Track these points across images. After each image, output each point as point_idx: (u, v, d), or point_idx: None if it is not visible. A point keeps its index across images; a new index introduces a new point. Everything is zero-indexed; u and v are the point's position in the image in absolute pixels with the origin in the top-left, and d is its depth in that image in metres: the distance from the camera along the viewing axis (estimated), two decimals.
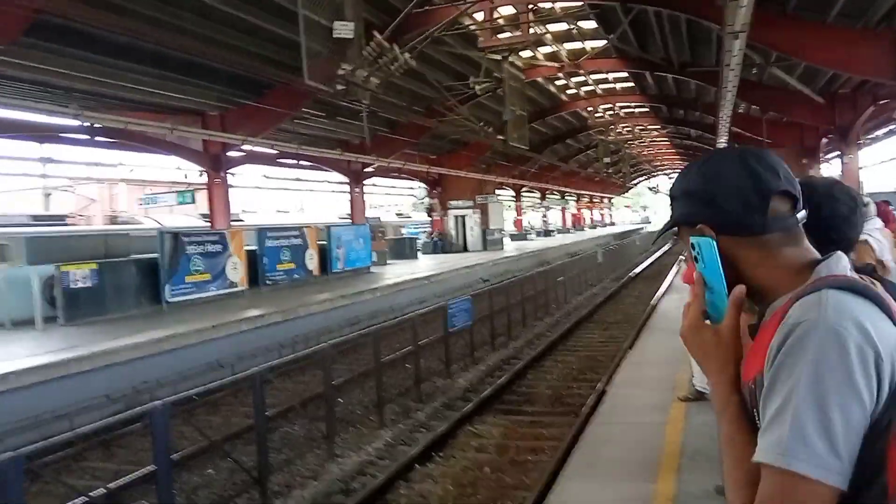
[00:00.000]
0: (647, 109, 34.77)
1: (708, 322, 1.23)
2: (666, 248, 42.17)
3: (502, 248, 34.78)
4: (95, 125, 15.51)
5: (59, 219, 20.51)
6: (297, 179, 29.03)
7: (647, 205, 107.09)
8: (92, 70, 14.65)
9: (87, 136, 17.71)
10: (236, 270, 16.73)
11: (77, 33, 12.56)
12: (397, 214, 40.17)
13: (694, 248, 1.21)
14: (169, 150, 19.78)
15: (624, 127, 36.78)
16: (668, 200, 1.42)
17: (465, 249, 33.57)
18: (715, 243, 1.19)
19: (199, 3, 13.15)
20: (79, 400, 9.45)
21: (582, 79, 26.57)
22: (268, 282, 17.98)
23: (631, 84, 28.38)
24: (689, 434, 5.41)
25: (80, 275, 13.48)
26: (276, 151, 22.99)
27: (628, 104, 33.52)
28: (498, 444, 8.45)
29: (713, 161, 1.31)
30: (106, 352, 10.29)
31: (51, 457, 7.95)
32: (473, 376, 11.95)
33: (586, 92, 29.76)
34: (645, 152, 53.94)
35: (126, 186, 33.00)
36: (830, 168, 25.48)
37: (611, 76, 27.10)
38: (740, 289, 1.20)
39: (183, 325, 12.30)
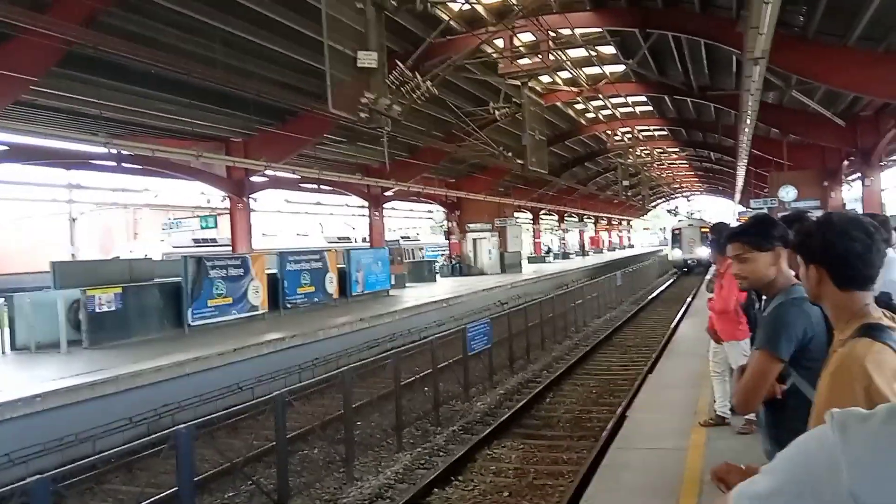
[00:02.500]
0: (666, 133, 34.80)
1: None
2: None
3: (520, 271, 34.76)
4: (123, 152, 15.87)
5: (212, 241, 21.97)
6: (318, 203, 29.36)
7: (665, 226, 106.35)
8: (121, 99, 15.09)
9: (114, 163, 18.12)
10: (258, 294, 16.91)
11: (107, 64, 12.97)
12: (402, 238, 40.11)
13: None
14: (193, 176, 20.16)
15: (643, 150, 36.81)
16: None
17: (483, 272, 33.60)
18: None
19: (226, 33, 13.53)
20: (102, 423, 9.59)
21: (601, 103, 26.70)
22: (288, 305, 18.14)
23: (650, 108, 28.47)
24: (711, 460, 5.37)
25: (104, 298, 13.71)
26: (297, 176, 23.32)
27: (647, 127, 33.58)
28: (516, 468, 8.42)
29: None
30: (129, 375, 10.43)
31: (75, 479, 8.05)
32: (492, 399, 11.94)
33: (605, 116, 29.88)
34: (664, 175, 53.83)
35: (150, 211, 33.57)
36: (851, 190, 25.29)
37: (630, 100, 27.21)
38: None
39: (205, 348, 12.44)
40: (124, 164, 18.39)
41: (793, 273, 2.64)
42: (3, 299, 14.17)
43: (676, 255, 43.76)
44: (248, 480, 7.68)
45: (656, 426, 6.73)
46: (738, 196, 39.56)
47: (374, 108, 8.98)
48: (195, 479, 7.49)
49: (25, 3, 10.35)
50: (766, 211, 23.04)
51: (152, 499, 7.09)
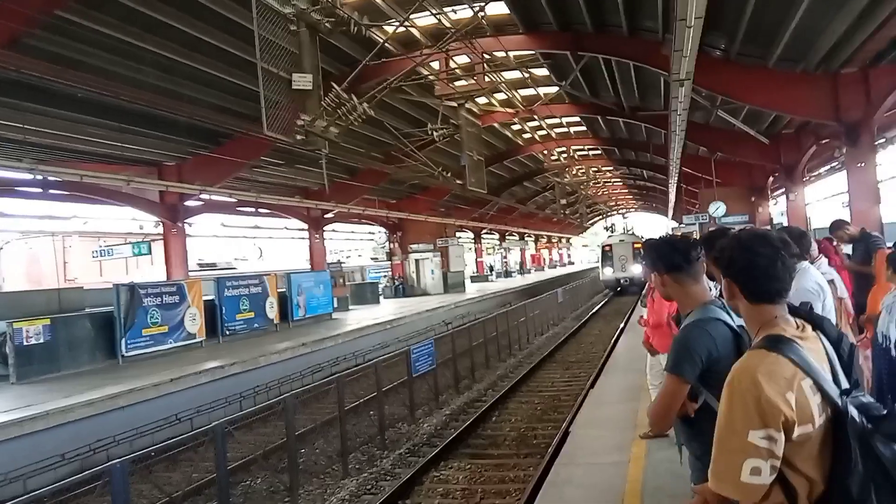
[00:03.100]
0: (600, 152, 35.63)
1: None
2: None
3: (464, 290, 34.91)
4: (49, 178, 15.31)
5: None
6: (256, 227, 28.91)
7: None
8: (47, 123, 14.59)
9: (40, 189, 17.47)
10: (195, 321, 16.46)
11: (31, 87, 12.52)
12: (333, 263, 38.96)
13: None
14: (125, 202, 19.60)
15: (579, 169, 37.55)
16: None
17: (426, 292, 33.58)
18: None
19: (157, 55, 13.23)
20: (32, 461, 9.13)
21: (536, 123, 27.20)
22: (227, 332, 17.73)
23: (584, 128, 29.14)
24: (650, 471, 5.49)
25: (32, 331, 13.12)
26: (234, 200, 22.92)
27: (582, 147, 34.32)
28: (464, 488, 8.40)
29: None
30: (59, 410, 9.98)
31: None
32: (438, 420, 11.90)
33: (541, 136, 30.44)
34: (600, 193, 55.06)
35: (79, 239, 32.32)
36: (778, 205, 26.40)
37: (564, 120, 27.80)
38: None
39: (140, 379, 12.03)
40: (51, 191, 17.75)
41: (710, 288, 2.86)
42: None
43: (608, 273, 40.10)
44: None
45: (598, 441, 6.84)
46: (670, 212, 40.73)
47: (310, 129, 8.94)
48: None
49: None
50: (687, 228, 23.90)
51: None
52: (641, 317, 7.02)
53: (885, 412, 1.86)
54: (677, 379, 2.56)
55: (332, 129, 9.35)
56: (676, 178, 24.23)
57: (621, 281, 38.85)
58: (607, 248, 40.30)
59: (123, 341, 14.51)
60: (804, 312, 2.08)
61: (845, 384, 1.93)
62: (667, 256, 2.89)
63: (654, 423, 2.76)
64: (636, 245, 37.65)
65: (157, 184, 17.74)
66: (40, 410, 9.77)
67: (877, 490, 1.75)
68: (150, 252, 21.96)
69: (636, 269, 35.66)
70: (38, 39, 11.53)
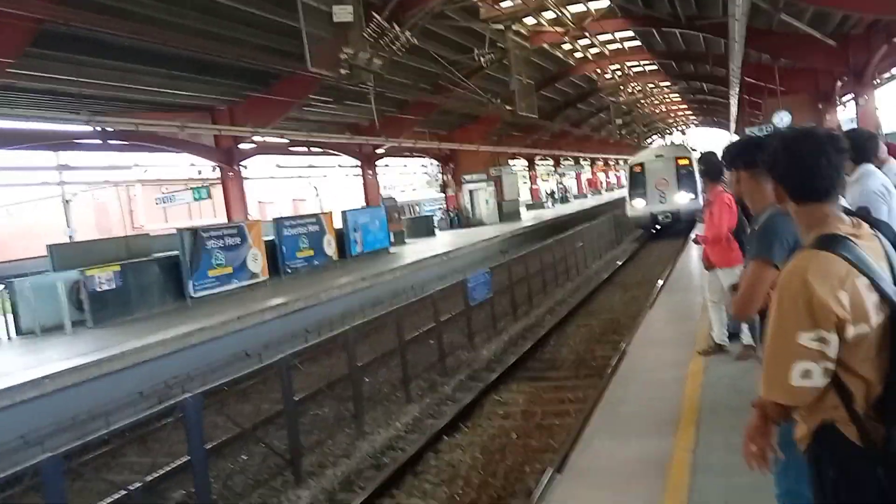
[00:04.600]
0: (656, 67, 34.28)
1: None
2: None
3: (519, 219, 34.70)
4: (107, 129, 15.68)
5: None
6: (311, 167, 29.16)
7: None
8: (99, 74, 14.81)
9: (100, 141, 17.92)
10: (257, 261, 16.92)
11: (81, 39, 12.68)
12: (387, 198, 37.93)
13: None
14: (181, 148, 19.96)
15: (635, 87, 36.30)
16: None
17: (482, 223, 33.54)
18: None
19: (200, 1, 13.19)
20: (113, 399, 9.70)
21: (588, 41, 26.22)
22: (288, 270, 18.18)
23: (638, 43, 27.98)
24: (708, 387, 5.43)
25: (104, 277, 13.73)
26: (286, 140, 23.09)
27: (637, 63, 33.07)
28: (523, 410, 8.55)
29: None
30: (135, 350, 10.52)
31: (91, 455, 8.18)
32: (497, 347, 12.04)
33: (594, 54, 29.40)
34: (658, 110, 53.28)
35: (142, 187, 33.35)
36: (847, 111, 25.00)
37: (617, 36, 26.72)
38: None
39: (208, 318, 12.51)
40: (110, 141, 18.19)
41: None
42: (3, 286, 14.19)
43: (638, 207, 25.94)
44: (260, 443, 7.79)
45: (656, 359, 6.79)
46: (732, 125, 39.10)
47: (354, 63, 8.84)
48: (208, 446, 7.63)
49: None
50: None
51: (165, 468, 7.23)
52: (697, 234, 6.82)
53: None
54: (765, 263, 2.53)
55: (375, 60, 9.22)
56: (738, 89, 23.13)
57: (660, 217, 25.43)
58: (637, 169, 26.26)
59: (191, 283, 15.05)
60: (861, 215, 1.98)
61: None
62: (749, 152, 2.88)
63: (738, 309, 2.75)
64: (682, 161, 25.47)
65: (209, 128, 17.98)
66: (117, 352, 10.31)
67: None
68: (209, 196, 22.46)
69: (683, 198, 24.74)
70: None
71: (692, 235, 11.40)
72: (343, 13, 8.74)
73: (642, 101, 41.13)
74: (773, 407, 1.92)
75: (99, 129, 15.34)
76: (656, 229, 26.18)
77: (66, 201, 29.50)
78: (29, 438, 8.47)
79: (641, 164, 26.18)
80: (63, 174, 23.00)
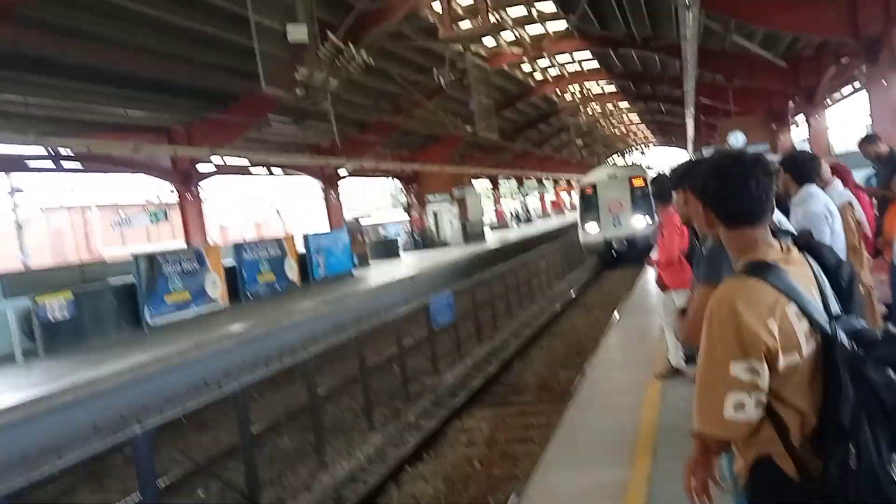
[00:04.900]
0: (614, 88, 34.87)
1: None
2: None
3: (484, 240, 34.78)
4: (58, 150, 15.31)
5: None
6: (271, 189, 28.89)
7: None
8: (50, 94, 14.47)
9: (52, 163, 17.47)
10: (216, 287, 16.60)
11: (29, 59, 12.38)
12: (350, 220, 37.73)
13: None
14: (137, 170, 19.59)
15: (594, 107, 36.86)
16: None
17: (446, 244, 33.52)
18: None
19: (153, 19, 12.98)
20: (66, 433, 9.33)
21: (547, 63, 26.56)
22: (249, 295, 17.86)
23: (596, 64, 28.44)
24: (665, 412, 5.42)
25: (56, 305, 13.31)
26: (246, 161, 22.83)
27: (596, 84, 33.58)
28: (487, 437, 8.45)
29: None
30: (88, 382, 10.16)
31: (42, 492, 7.85)
32: (461, 371, 11.95)
33: (553, 76, 29.79)
34: (618, 131, 54.13)
35: (98, 211, 32.66)
36: (799, 131, 25.70)
37: (575, 56, 27.12)
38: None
39: (165, 346, 12.19)
40: (64, 163, 17.75)
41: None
42: None
43: (592, 232, 23.21)
44: (216, 478, 7.57)
45: (615, 382, 6.78)
46: (690, 146, 39.89)
47: (309, 83, 8.75)
48: (164, 483, 7.39)
49: None
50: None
51: None
52: (648, 256, 6.90)
53: (879, 336, 1.73)
54: (712, 287, 2.48)
55: (332, 80, 9.16)
56: (694, 109, 23.62)
57: (615, 244, 22.91)
58: (589, 190, 23.42)
59: (147, 310, 14.68)
60: (802, 241, 1.97)
61: (838, 311, 1.80)
62: (694, 173, 2.85)
63: (686, 334, 2.68)
64: (636, 181, 23.00)
65: (164, 149, 17.67)
66: (69, 383, 9.95)
67: (869, 418, 1.63)
68: (166, 219, 22.08)
69: (639, 222, 22.43)
70: (30, 8, 11.31)
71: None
72: (297, 33, 8.68)
73: (602, 122, 41.75)
74: (715, 441, 1.88)
75: (48, 150, 14.94)
76: (612, 257, 23.52)
77: (19, 226, 28.74)
78: None
79: (593, 186, 23.26)
80: (15, 197, 22.37)
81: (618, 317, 10.88)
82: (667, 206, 6.17)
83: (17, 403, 9.15)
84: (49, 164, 17.55)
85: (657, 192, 6.47)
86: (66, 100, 15.11)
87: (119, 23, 12.84)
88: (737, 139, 21.26)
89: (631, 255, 21.59)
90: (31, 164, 17.59)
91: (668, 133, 54.30)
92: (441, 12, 15.96)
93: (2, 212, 25.45)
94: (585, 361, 10.94)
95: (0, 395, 9.63)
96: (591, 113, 36.37)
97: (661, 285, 6.36)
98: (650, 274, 15.37)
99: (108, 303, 14.56)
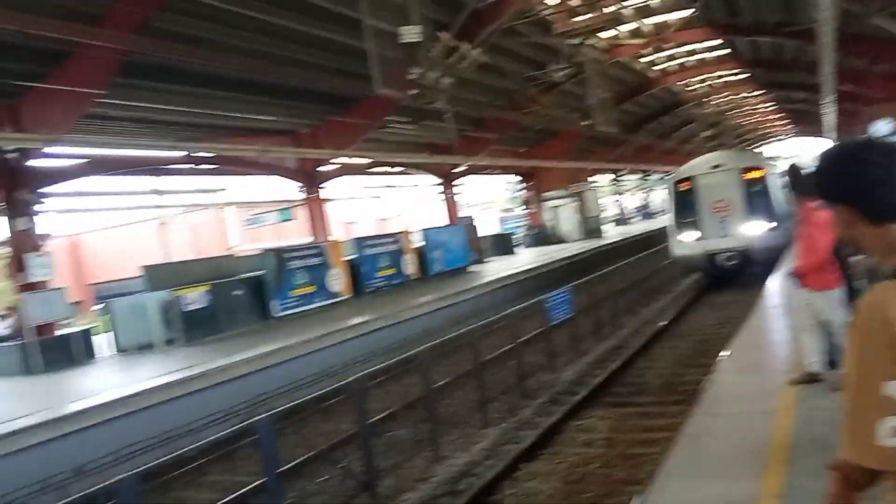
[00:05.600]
0: (743, 76, 32.99)
1: None
2: None
3: (602, 236, 33.99)
4: (193, 153, 16.36)
5: None
6: (391, 187, 29.57)
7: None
8: (185, 102, 15.48)
9: (191, 165, 18.70)
10: (338, 281, 17.20)
11: (164, 68, 13.29)
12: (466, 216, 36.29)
13: None
14: (267, 171, 20.60)
15: (722, 97, 35.06)
16: None
17: (563, 240, 33.04)
18: None
19: (278, 27, 13.61)
20: (201, 415, 9.99)
21: (670, 52, 25.55)
22: (369, 288, 18.38)
23: (724, 52, 27.02)
24: (801, 422, 4.99)
25: (192, 297, 14.26)
26: (367, 161, 23.49)
27: (724, 73, 31.94)
28: (606, 437, 8.19)
29: None
30: (222, 368, 10.83)
31: (178, 471, 8.42)
32: (579, 368, 11.69)
33: (676, 66, 28.62)
34: (748, 121, 51.26)
35: (234, 209, 34.66)
36: None
37: (700, 46, 25.91)
38: None
39: (291, 337, 12.75)
40: (201, 166, 18.94)
41: None
42: (103, 305, 14.99)
43: (689, 241, 17.64)
44: (337, 465, 7.80)
45: (744, 387, 6.35)
46: (831, 134, 37.03)
47: (422, 83, 8.84)
48: (287, 466, 7.70)
49: (80, 19, 10.73)
50: None
51: (246, 488, 7.32)
52: (796, 268, 5.84)
53: None
54: None
55: (444, 80, 9.20)
56: (834, 97, 21.91)
57: (721, 258, 17.14)
58: (685, 186, 17.89)
59: (274, 302, 15.42)
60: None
61: None
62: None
63: None
64: (752, 173, 17.33)
65: (287, 152, 18.52)
66: (204, 370, 10.64)
67: None
68: (292, 218, 23.06)
69: (756, 229, 16.74)
70: (162, 21, 12.16)
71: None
72: (411, 34, 8.78)
73: (731, 112, 39.69)
74: (856, 471, 1.63)
75: (184, 154, 16.02)
76: (717, 276, 17.66)
77: (162, 224, 31.05)
78: (119, 455, 8.82)
79: (691, 180, 17.73)
80: (157, 198, 24.10)
81: (749, 315, 10.22)
82: (807, 200, 5.57)
83: (158, 385, 9.89)
84: (187, 166, 18.81)
85: (796, 183, 5.67)
86: (202, 107, 16.12)
87: (247, 33, 13.58)
88: (884, 127, 19.50)
89: (744, 273, 16.45)
90: (172, 166, 18.94)
91: (804, 122, 50.78)
92: (556, 6, 15.74)
93: (147, 211, 27.43)
94: (713, 363, 10.43)
95: (146, 380, 10.42)
96: (717, 103, 34.64)
97: (801, 284, 5.79)
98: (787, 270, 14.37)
99: (240, 295, 15.43)
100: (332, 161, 21.00)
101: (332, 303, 16.93)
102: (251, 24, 13.28)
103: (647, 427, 8.36)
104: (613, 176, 45.72)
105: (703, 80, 31.72)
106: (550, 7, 16.03)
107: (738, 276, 16.73)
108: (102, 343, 15.04)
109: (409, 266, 20.01)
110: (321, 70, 15.93)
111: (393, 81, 8.47)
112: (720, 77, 32.73)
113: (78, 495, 4.90)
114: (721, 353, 8.50)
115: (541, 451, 7.95)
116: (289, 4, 13.18)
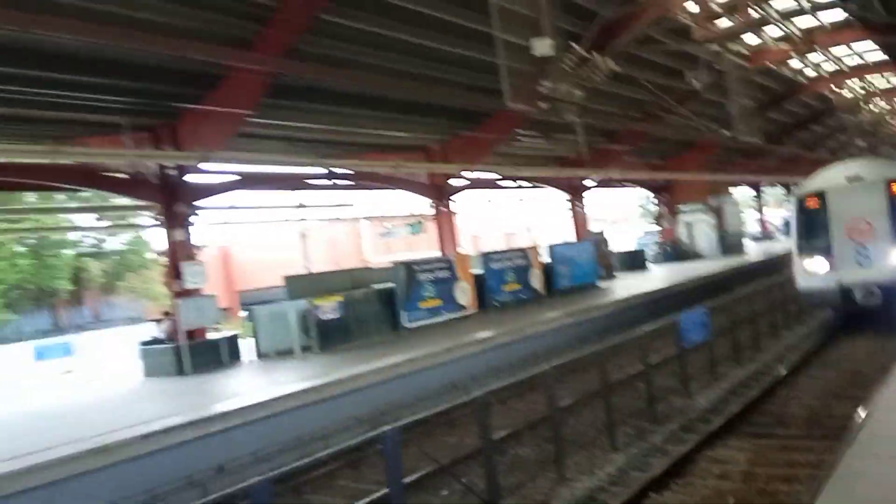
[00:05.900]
0: None
1: None
2: None
3: (742, 253, 32.11)
4: (332, 169, 17.12)
5: None
6: (520, 200, 29.53)
7: None
8: (324, 120, 16.24)
9: (329, 181, 19.59)
10: (465, 294, 17.35)
11: (308, 89, 14.01)
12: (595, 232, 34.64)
13: None
14: (400, 186, 21.17)
15: (879, 102, 32.17)
16: None
17: (699, 256, 31.52)
18: None
19: (413, 45, 14.00)
20: (332, 422, 10.40)
21: (821, 57, 23.79)
22: (495, 303, 18.39)
23: (882, 55, 24.83)
24: None
25: (328, 307, 14.87)
26: (496, 175, 23.59)
27: (881, 76, 29.33)
28: (744, 471, 7.68)
29: None
30: (353, 377, 11.22)
31: (311, 475, 8.78)
32: (715, 395, 11.06)
33: (828, 71, 26.61)
34: None
35: (367, 223, 35.96)
36: None
37: (855, 48, 23.93)
38: None
39: (419, 349, 12.98)
40: (338, 181, 19.79)
41: None
42: (247, 312, 15.96)
43: (818, 271, 14.38)
44: (458, 480, 7.81)
45: None
46: None
47: (553, 96, 8.75)
48: (411, 478, 7.81)
49: (231, 43, 11.55)
50: None
51: (369, 497, 7.49)
52: None
53: None
54: None
55: (576, 92, 9.06)
56: None
57: (858, 293, 13.92)
58: (812, 203, 14.78)
59: (404, 314, 15.79)
60: None
61: None
62: None
63: None
64: None
65: (419, 167, 18.94)
66: (336, 378, 11.07)
67: None
68: (421, 231, 23.55)
69: None
70: (306, 44, 12.84)
71: None
72: (542, 46, 8.71)
73: (890, 119, 36.32)
74: None
75: (326, 170, 16.80)
76: (854, 315, 14.62)
77: (303, 235, 32.68)
78: (259, 455, 9.34)
79: (821, 195, 14.63)
80: (301, 211, 25.41)
81: None
82: None
83: (296, 391, 10.38)
84: (326, 181, 19.73)
85: None
86: (341, 125, 16.86)
87: (381, 51, 14.06)
88: None
89: (890, 313, 12.91)
90: (313, 181, 19.93)
91: None
92: (696, 12, 15.11)
93: (291, 224, 28.97)
94: (867, 395, 9.53)
95: (285, 384, 10.98)
96: (875, 110, 31.81)
97: None
98: None
99: (371, 306, 15.93)
100: (461, 175, 21.26)
101: (459, 316, 17.08)
102: (390, 43, 13.75)
103: (790, 462, 7.76)
104: (754, 192, 43.11)
105: (858, 85, 29.29)
106: (689, 13, 15.36)
107: (882, 316, 13.34)
108: (245, 348, 16.03)
109: (536, 281, 19.83)
110: (452, 86, 16.21)
111: (523, 95, 8.44)
112: (876, 82, 30.07)
113: (217, 495, 5.19)
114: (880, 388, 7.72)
115: (672, 481, 7.57)
116: (425, 23, 13.53)
